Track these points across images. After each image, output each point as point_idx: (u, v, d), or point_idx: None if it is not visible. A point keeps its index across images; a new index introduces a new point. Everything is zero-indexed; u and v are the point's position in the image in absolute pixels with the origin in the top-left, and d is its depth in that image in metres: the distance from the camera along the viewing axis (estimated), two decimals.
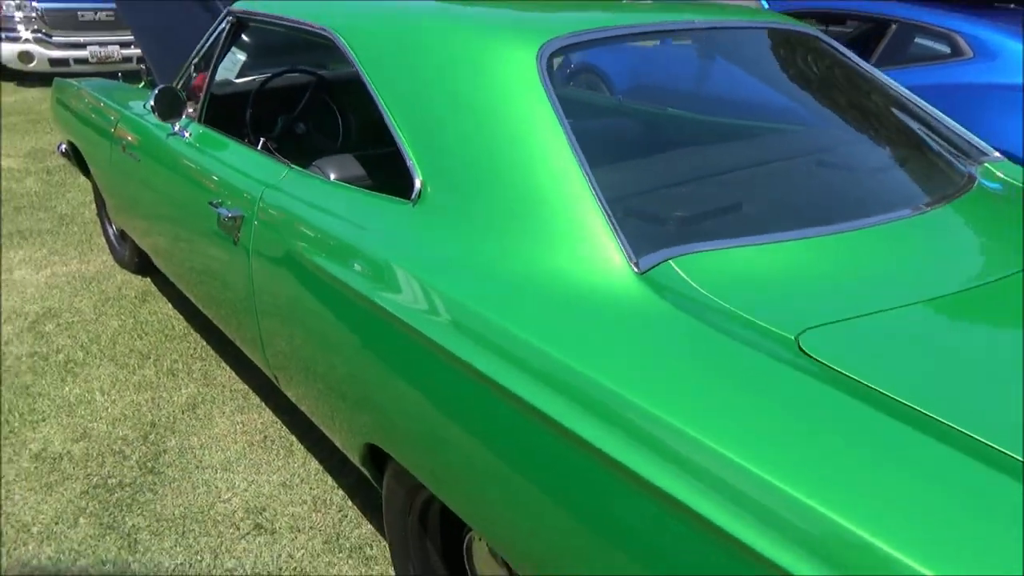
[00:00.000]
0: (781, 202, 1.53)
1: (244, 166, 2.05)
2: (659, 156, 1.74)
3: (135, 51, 7.99)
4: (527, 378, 1.12)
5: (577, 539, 1.09)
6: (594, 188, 1.28)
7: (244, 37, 2.95)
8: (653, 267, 1.21)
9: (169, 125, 2.43)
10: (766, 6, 5.19)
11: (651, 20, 1.70)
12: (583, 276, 1.22)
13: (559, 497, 1.09)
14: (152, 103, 2.38)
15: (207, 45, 2.48)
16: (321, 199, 1.72)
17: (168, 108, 2.35)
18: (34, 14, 7.77)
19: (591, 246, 1.25)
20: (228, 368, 2.81)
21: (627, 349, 1.10)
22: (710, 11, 1.89)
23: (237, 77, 3.00)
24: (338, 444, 1.80)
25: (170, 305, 3.28)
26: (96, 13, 7.94)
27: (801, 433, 0.91)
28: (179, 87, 2.55)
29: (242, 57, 3.05)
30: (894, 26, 3.95)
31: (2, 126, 6.31)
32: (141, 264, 3.50)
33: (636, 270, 1.20)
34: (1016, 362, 1.05)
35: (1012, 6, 4.29)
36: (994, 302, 1.27)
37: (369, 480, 1.85)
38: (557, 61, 1.57)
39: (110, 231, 3.70)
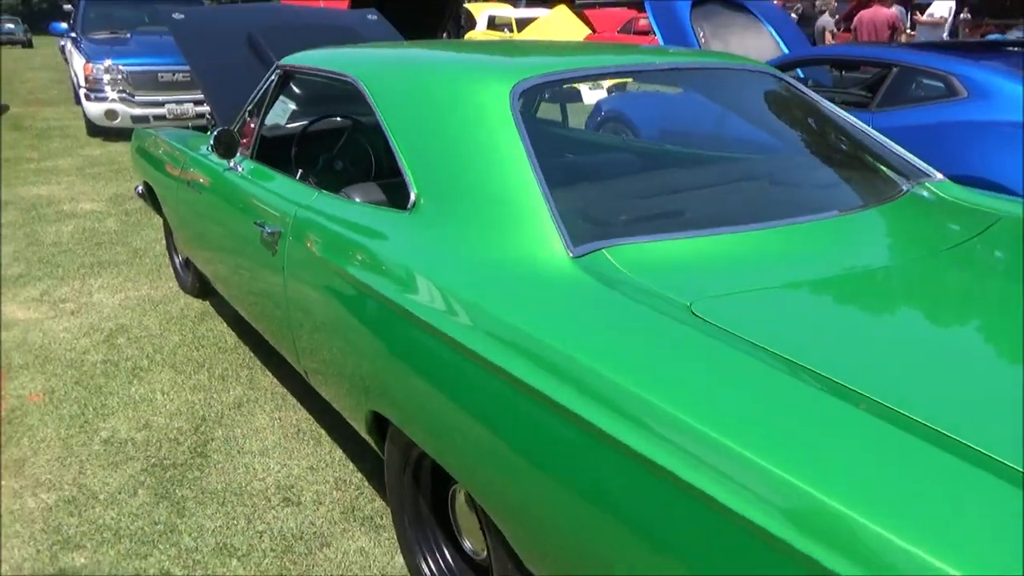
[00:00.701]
0: (709, 208, 1.81)
1: (284, 192, 2.44)
2: (603, 174, 2.05)
3: (207, 108, 8.73)
4: (492, 342, 1.41)
5: (534, 479, 1.34)
6: (547, 198, 1.60)
7: (294, 88, 3.40)
8: (586, 254, 1.51)
9: (226, 162, 2.85)
10: (784, 47, 5.49)
11: (611, 62, 2.04)
12: (534, 261, 1.53)
13: (519, 443, 1.36)
14: (212, 143, 2.81)
15: (260, 93, 2.91)
16: (339, 213, 2.08)
17: (225, 147, 2.77)
18: (119, 76, 8.59)
19: (541, 239, 1.56)
20: (271, 375, 3.18)
21: (563, 314, 1.40)
22: (672, 55, 2.22)
23: (287, 122, 3.44)
24: (350, 419, 2.12)
25: (224, 324, 3.69)
26: (174, 74, 8.72)
27: (685, 371, 1.17)
28: (236, 129, 2.98)
29: (292, 105, 3.50)
30: (895, 69, 4.20)
31: (89, 175, 7.00)
32: (202, 289, 3.94)
33: (571, 255, 1.50)
34: (882, 322, 1.31)
35: (1014, 49, 4.49)
36: (874, 284, 1.53)
37: (383, 466, 2.14)
38: (527, 96, 1.90)
39: (176, 260, 4.17)
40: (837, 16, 12.10)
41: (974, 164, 3.70)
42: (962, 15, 17.90)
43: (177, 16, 4.06)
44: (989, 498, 0.87)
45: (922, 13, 10.28)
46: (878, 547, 0.85)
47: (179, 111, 8.68)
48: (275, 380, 3.13)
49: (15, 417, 2.85)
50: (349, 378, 1.98)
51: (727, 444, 1.01)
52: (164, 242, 4.73)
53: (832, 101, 4.55)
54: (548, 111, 3.66)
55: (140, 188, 4.23)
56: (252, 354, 3.37)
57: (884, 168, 2.12)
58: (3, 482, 2.45)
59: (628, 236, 1.59)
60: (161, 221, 4.50)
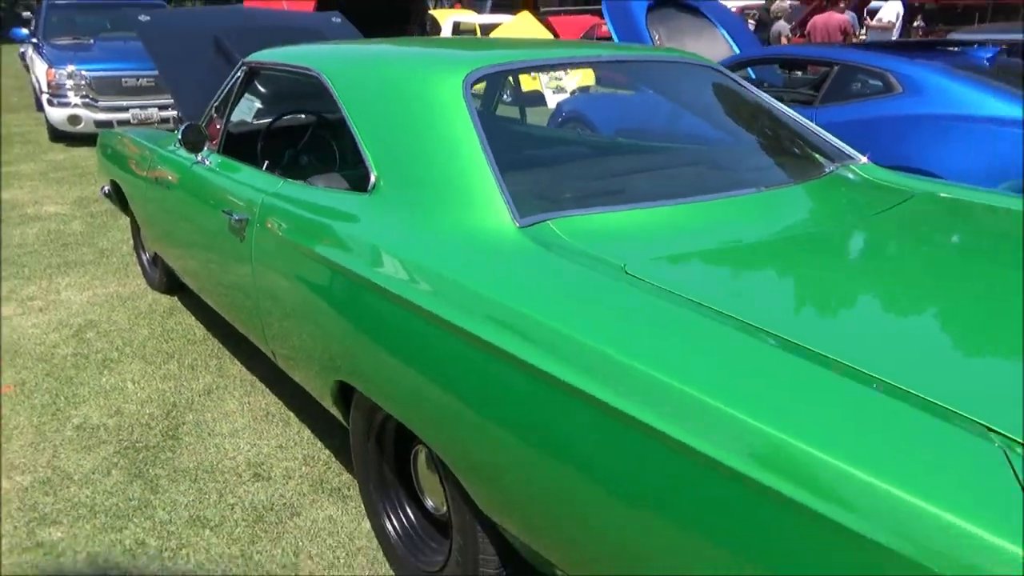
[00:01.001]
0: (646, 186, 1.97)
1: (250, 181, 2.54)
2: (551, 159, 2.20)
3: (171, 112, 8.74)
4: (449, 305, 1.54)
5: (492, 429, 1.45)
6: (496, 175, 1.74)
7: (259, 85, 3.50)
8: (532, 225, 1.65)
9: (194, 156, 2.94)
10: (736, 48, 5.72)
11: (556, 54, 2.19)
12: (485, 232, 1.67)
13: (476, 396, 1.48)
14: (179, 138, 2.90)
15: (226, 89, 3.01)
16: (304, 197, 2.20)
17: (193, 142, 2.86)
18: (82, 81, 8.57)
19: (490, 213, 1.69)
20: (239, 363, 3.27)
21: (511, 276, 1.54)
22: (615, 49, 2.37)
23: (253, 119, 3.54)
24: (316, 393, 2.23)
25: (193, 317, 3.77)
26: (138, 79, 8.72)
27: (618, 319, 1.31)
28: (203, 125, 3.07)
29: (258, 102, 3.60)
30: (836, 68, 4.42)
31: (53, 179, 6.99)
32: (170, 285, 4.01)
33: (518, 226, 1.64)
34: (792, 275, 1.47)
35: (953, 49, 4.74)
36: (790, 246, 1.69)
37: (349, 443, 2.24)
38: (478, 86, 2.04)
39: (144, 258, 4.23)
40: (793, 22, 12.47)
41: (910, 155, 3.92)
42: (916, 23, 18.49)
43: (143, 18, 4.13)
44: (893, 415, 1.01)
45: (872, 18, 10.65)
46: (764, 448, 1.00)
47: (143, 116, 8.68)
48: (244, 368, 3.23)
49: None
50: (316, 352, 2.10)
51: (662, 379, 1.14)
52: (130, 243, 4.78)
53: (780, 99, 4.77)
54: (512, 112, 3.81)
55: (107, 188, 4.28)
56: (221, 345, 3.46)
57: (811, 151, 2.29)
58: None
59: (570, 209, 1.73)
60: (128, 221, 4.56)
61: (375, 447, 2.02)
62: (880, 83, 4.18)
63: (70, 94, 8.55)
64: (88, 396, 3.00)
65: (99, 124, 8.50)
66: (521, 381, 1.36)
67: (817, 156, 2.28)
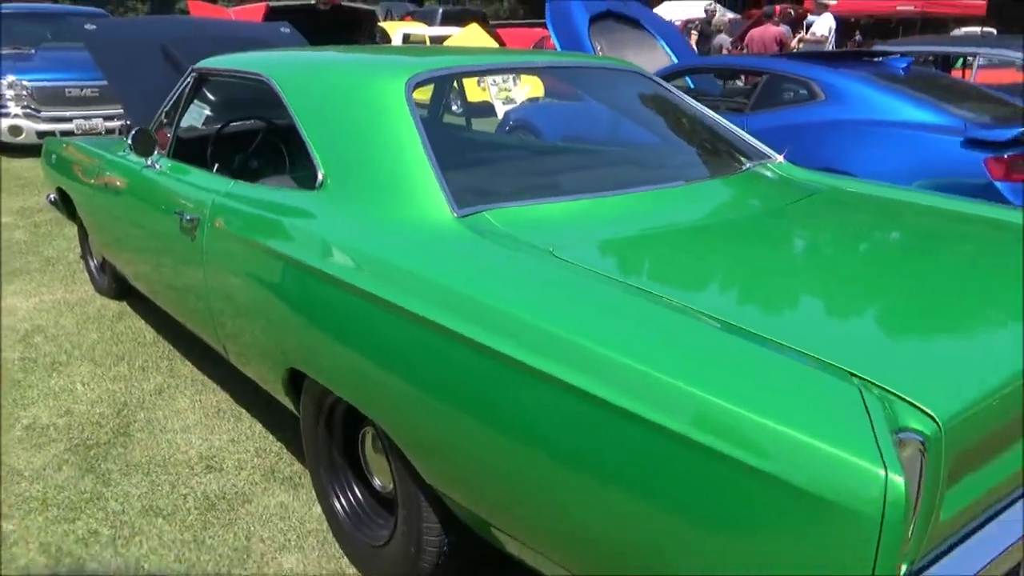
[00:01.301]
0: (575, 182, 2.12)
1: (201, 183, 2.62)
2: (489, 158, 2.35)
3: (117, 123, 8.65)
4: (392, 288, 1.65)
5: (434, 400, 1.57)
6: (436, 171, 1.86)
7: (208, 91, 3.56)
8: (469, 215, 1.78)
9: (144, 160, 3.00)
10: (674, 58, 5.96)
11: (492, 61, 2.33)
12: (424, 222, 1.79)
13: (419, 371, 1.59)
14: (130, 142, 2.95)
15: (175, 95, 3.08)
16: (253, 195, 2.29)
17: (143, 146, 2.92)
18: (24, 92, 8.45)
19: (430, 205, 1.82)
20: (191, 364, 3.32)
21: (448, 261, 1.66)
22: (547, 56, 2.53)
23: (202, 125, 3.60)
24: (267, 383, 2.32)
25: (143, 321, 3.80)
26: (82, 89, 8.62)
27: (543, 294, 1.45)
28: (152, 130, 3.13)
29: (207, 109, 3.66)
30: (765, 77, 4.67)
31: None
32: (118, 290, 4.03)
33: (456, 216, 1.77)
34: (700, 255, 1.62)
35: (878, 59, 5.03)
36: (703, 231, 1.85)
37: (300, 434, 2.32)
38: (424, 94, 2.17)
39: (92, 264, 4.24)
40: (734, 35, 12.91)
41: (833, 158, 4.16)
42: (856, 37, 19.27)
43: (89, 27, 4.15)
44: (773, 365, 1.16)
45: (807, 32, 11.11)
46: (674, 398, 1.14)
47: (88, 126, 8.58)
48: (195, 368, 3.28)
49: None
50: (267, 343, 2.19)
51: (581, 343, 1.28)
52: (76, 251, 4.77)
53: (716, 107, 5.01)
54: (462, 122, 3.94)
55: (52, 196, 4.28)
56: (172, 347, 3.50)
57: (731, 150, 2.48)
58: None
59: (504, 202, 1.87)
60: (75, 230, 4.55)
61: (325, 431, 2.12)
62: (805, 91, 4.44)
63: (10, 104, 8.41)
64: (37, 398, 3.02)
65: (41, 135, 8.37)
66: (459, 355, 1.49)
67: (735, 154, 2.46)
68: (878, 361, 1.17)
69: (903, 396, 1.08)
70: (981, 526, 1.31)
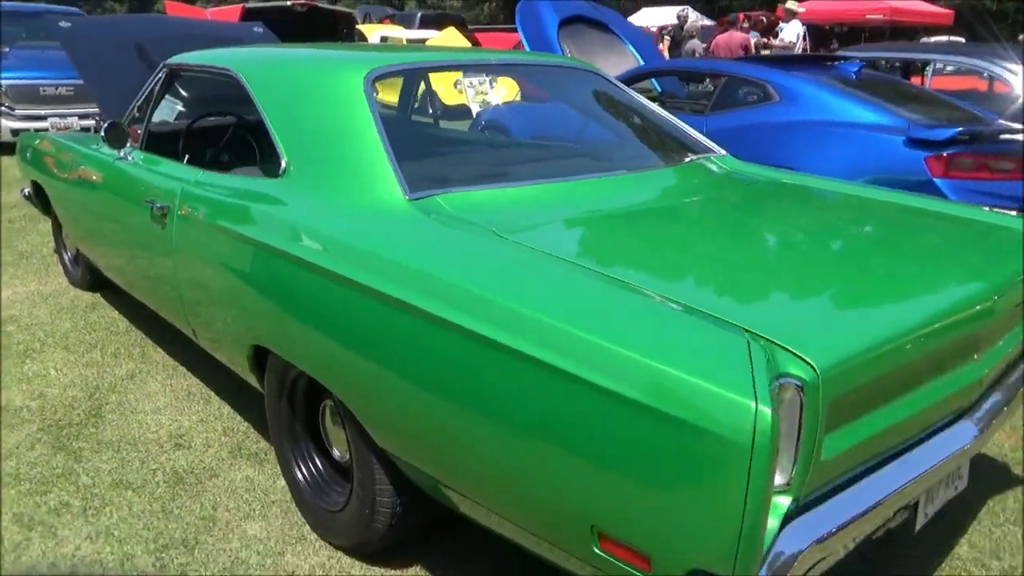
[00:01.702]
0: (525, 170, 2.26)
1: (171, 172, 2.73)
2: (443, 149, 2.48)
3: (92, 121, 8.68)
4: (349, 265, 1.77)
5: (386, 366, 1.69)
6: (391, 158, 1.99)
7: (179, 87, 3.67)
8: (420, 199, 1.91)
9: (116, 151, 3.10)
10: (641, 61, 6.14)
11: (450, 58, 2.47)
12: (379, 205, 1.92)
13: (373, 340, 1.72)
14: (103, 135, 3.05)
15: (147, 90, 3.19)
16: (220, 183, 2.41)
17: (116, 138, 3.02)
18: None
19: (384, 189, 1.95)
20: (162, 351, 3.42)
21: (401, 239, 1.79)
22: (505, 54, 2.67)
23: (174, 119, 3.70)
24: (233, 362, 2.43)
25: (116, 311, 3.89)
26: (57, 88, 8.65)
27: (485, 267, 1.58)
28: (125, 123, 3.23)
29: (178, 104, 3.77)
30: (724, 79, 4.85)
31: None
32: (92, 282, 4.11)
33: (408, 199, 1.90)
34: (630, 233, 1.77)
35: (831, 63, 5.23)
36: (639, 214, 2.00)
37: (266, 417, 2.44)
38: (377, 83, 2.30)
39: (66, 257, 4.32)
40: (707, 41, 13.17)
41: (787, 157, 4.33)
42: (833, 45, 19.68)
43: (64, 24, 4.24)
44: (677, 321, 1.30)
45: (776, 39, 11.38)
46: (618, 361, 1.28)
47: (63, 124, 8.59)
48: (166, 355, 3.38)
49: None
50: (233, 322, 2.30)
51: (509, 306, 1.42)
52: (50, 245, 4.84)
53: (681, 109, 5.17)
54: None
55: (27, 190, 4.36)
56: (144, 335, 3.59)
57: (675, 145, 2.63)
58: None
59: (454, 187, 2.01)
60: (48, 225, 4.63)
61: (287, 406, 2.24)
62: (761, 93, 4.62)
63: None
64: (10, 383, 3.10)
65: (16, 133, 8.38)
66: (405, 324, 1.62)
67: (680, 148, 2.61)
68: (771, 320, 1.32)
69: (787, 347, 1.22)
70: (872, 472, 1.47)
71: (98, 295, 4.12)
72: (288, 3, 10.14)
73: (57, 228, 4.34)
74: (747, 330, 1.25)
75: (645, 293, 1.39)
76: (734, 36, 9.43)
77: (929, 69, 6.64)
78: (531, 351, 1.34)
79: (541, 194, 2.05)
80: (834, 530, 1.32)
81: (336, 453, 2.18)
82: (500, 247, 1.66)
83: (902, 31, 20.59)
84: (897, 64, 7.42)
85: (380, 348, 1.70)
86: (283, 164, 2.20)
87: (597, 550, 1.32)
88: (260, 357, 2.27)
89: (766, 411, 1.08)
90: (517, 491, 1.47)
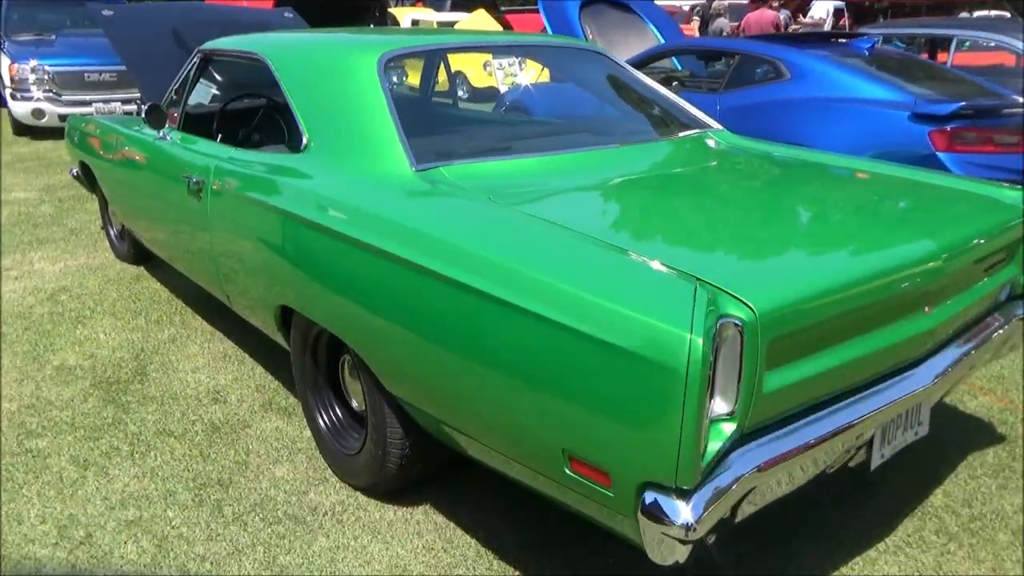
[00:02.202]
0: (527, 145, 2.45)
1: (206, 150, 2.97)
2: (450, 125, 2.68)
3: (134, 107, 9.04)
4: (363, 229, 1.98)
5: (397, 320, 1.91)
6: (401, 135, 2.20)
7: (213, 70, 3.91)
8: (426, 170, 2.12)
9: (156, 132, 3.35)
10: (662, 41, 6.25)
11: (462, 41, 2.65)
12: (390, 176, 2.13)
13: (386, 297, 1.93)
14: (143, 116, 3.30)
15: (184, 74, 3.43)
16: (249, 159, 2.64)
17: (155, 119, 3.27)
18: (45, 76, 8.84)
19: (394, 161, 2.16)
20: (200, 318, 3.69)
21: (408, 205, 2.00)
22: (516, 36, 2.85)
23: (208, 102, 3.95)
24: (262, 323, 2.67)
25: (158, 283, 4.18)
26: (101, 74, 9.01)
27: (479, 228, 1.78)
28: (164, 105, 3.48)
29: (212, 87, 4.01)
30: (737, 58, 4.96)
31: (19, 169, 7.29)
32: (136, 255, 4.40)
33: (415, 170, 2.11)
34: (620, 199, 1.95)
35: (851, 40, 5.29)
36: (633, 182, 2.18)
37: (293, 377, 2.67)
38: (396, 65, 2.50)
39: (112, 232, 4.62)
40: (736, 22, 13.13)
41: (798, 133, 4.45)
42: (842, 22, 19.42)
43: (107, 13, 4.51)
44: (643, 273, 1.49)
45: (806, 16, 11.32)
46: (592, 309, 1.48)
47: (106, 109, 8.93)
48: (204, 322, 3.65)
49: None
50: (261, 285, 2.54)
51: (498, 261, 1.62)
52: (97, 223, 5.15)
53: (699, 88, 5.29)
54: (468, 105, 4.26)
55: (75, 170, 4.66)
56: (184, 304, 3.87)
57: (673, 119, 2.79)
58: None
59: (458, 159, 2.21)
60: (96, 202, 4.94)
61: (311, 360, 2.47)
62: (773, 70, 4.72)
63: (33, 88, 8.80)
64: (64, 345, 3.40)
65: (62, 118, 8.77)
66: (411, 279, 1.83)
67: (677, 123, 2.77)
68: (722, 270, 1.50)
69: (731, 292, 1.40)
70: (824, 410, 1.64)
71: (141, 268, 4.41)
72: None
73: (103, 206, 4.64)
74: (698, 278, 1.42)
75: (615, 248, 1.58)
76: (765, 14, 9.44)
77: (952, 45, 6.63)
78: (513, 299, 1.54)
79: (537, 165, 2.24)
80: (777, 457, 1.51)
81: (354, 404, 2.41)
82: (491, 211, 1.86)
83: (942, 6, 20.16)
84: (924, 40, 7.41)
85: (387, 302, 1.91)
86: (304, 140, 2.42)
87: (568, 471, 1.52)
88: (286, 317, 2.50)
89: (699, 341, 1.26)
90: (504, 424, 1.68)
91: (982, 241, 1.96)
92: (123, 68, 8.88)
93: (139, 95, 8.95)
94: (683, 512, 1.34)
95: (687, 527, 1.33)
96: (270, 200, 2.37)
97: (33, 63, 8.77)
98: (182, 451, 2.59)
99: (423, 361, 1.86)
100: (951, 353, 1.95)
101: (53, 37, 9.58)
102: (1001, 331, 2.14)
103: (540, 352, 1.51)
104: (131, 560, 2.08)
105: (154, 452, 2.58)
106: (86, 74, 9.03)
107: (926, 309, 1.81)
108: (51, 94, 8.86)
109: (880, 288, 1.64)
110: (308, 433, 2.65)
